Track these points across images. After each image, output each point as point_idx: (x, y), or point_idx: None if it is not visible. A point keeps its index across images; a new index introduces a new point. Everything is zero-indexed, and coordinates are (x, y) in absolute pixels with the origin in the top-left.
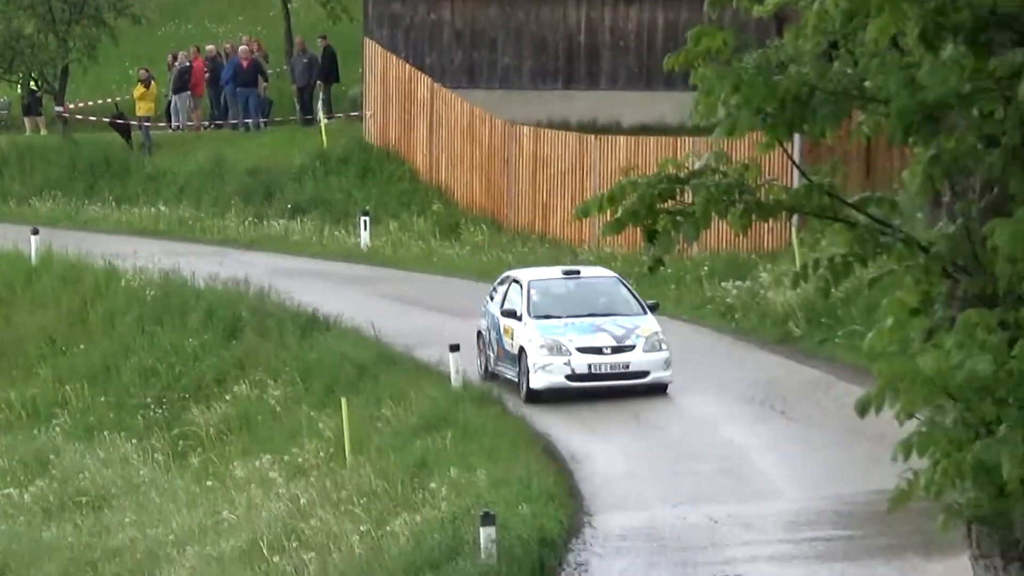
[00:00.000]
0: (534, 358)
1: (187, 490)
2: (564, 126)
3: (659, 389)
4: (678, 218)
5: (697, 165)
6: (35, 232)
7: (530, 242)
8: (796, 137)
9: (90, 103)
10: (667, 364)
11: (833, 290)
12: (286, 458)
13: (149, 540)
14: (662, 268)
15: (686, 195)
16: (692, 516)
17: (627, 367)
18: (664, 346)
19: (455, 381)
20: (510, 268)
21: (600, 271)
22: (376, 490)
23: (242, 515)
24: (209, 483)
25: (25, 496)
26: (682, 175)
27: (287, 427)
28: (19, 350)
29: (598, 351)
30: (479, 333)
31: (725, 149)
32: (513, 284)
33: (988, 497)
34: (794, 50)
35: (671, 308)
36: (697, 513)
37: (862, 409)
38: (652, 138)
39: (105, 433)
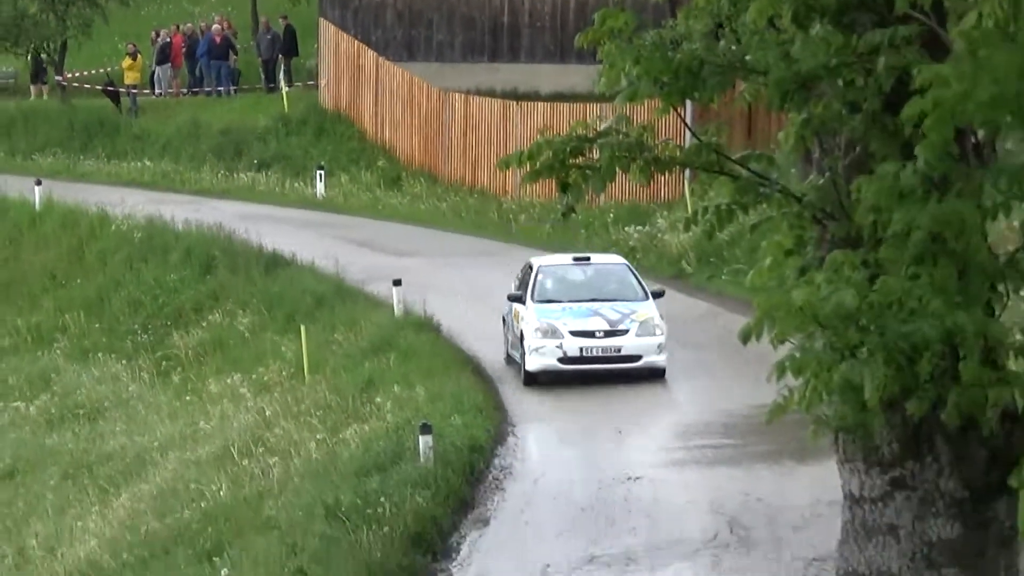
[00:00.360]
0: (530, 340)
1: (169, 404)
2: (490, 94)
3: (656, 373)
4: (587, 172)
5: (603, 127)
6: (38, 183)
7: (461, 192)
8: (688, 103)
9: (85, 73)
10: (660, 349)
11: (719, 233)
12: (253, 376)
13: (137, 446)
14: (574, 215)
15: (594, 152)
16: (600, 427)
17: (619, 351)
18: (659, 331)
19: (397, 311)
20: (444, 215)
21: (610, 258)
22: (330, 404)
23: (216, 425)
24: (188, 398)
25: (31, 409)
26: (590, 135)
27: (254, 350)
28: (25, 283)
29: (591, 335)
30: (503, 318)
31: (627, 113)
32: (529, 270)
33: (852, 411)
34: (686, 29)
35: (582, 250)
36: (605, 424)
37: (744, 337)
38: (565, 104)
39: (99, 355)
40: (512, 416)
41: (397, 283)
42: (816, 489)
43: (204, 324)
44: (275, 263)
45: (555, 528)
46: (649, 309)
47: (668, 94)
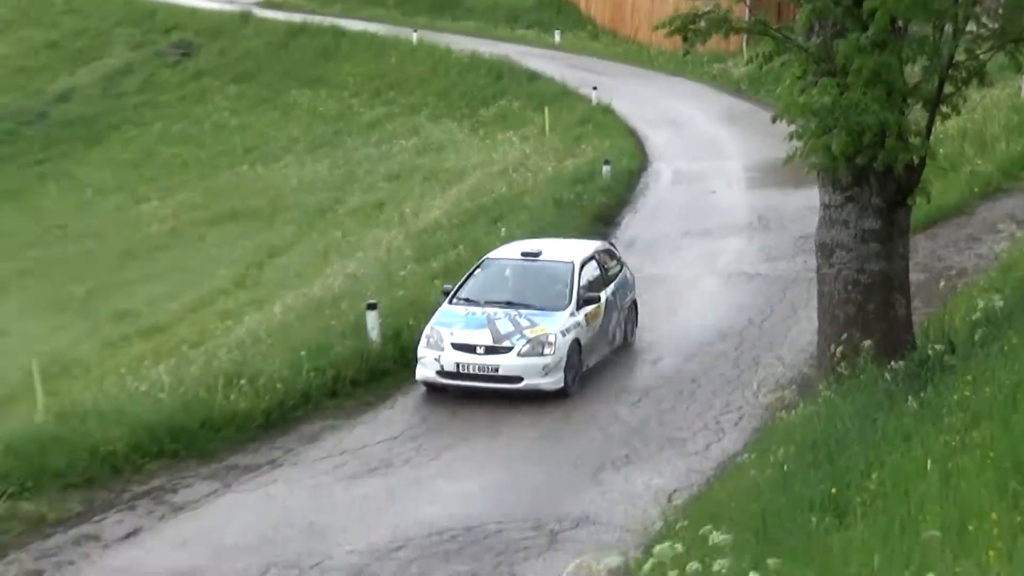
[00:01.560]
0: (419, 348)
1: (478, 145)
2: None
3: (546, 395)
4: (698, 32)
5: (706, 8)
6: (415, 31)
7: (629, 43)
8: None
9: None
10: (547, 370)
11: (763, 68)
12: (520, 132)
13: (460, 165)
14: (689, 56)
15: (701, 22)
16: (696, 165)
17: (496, 370)
18: (548, 350)
19: (594, 102)
20: (620, 55)
21: (563, 253)
22: (558, 148)
23: (500, 157)
24: (487, 142)
25: (407, 144)
26: (700, 12)
27: (521, 119)
28: (407, 83)
29: (472, 349)
30: None
31: (719, 2)
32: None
33: (827, 160)
34: None
35: (690, 75)
36: (698, 164)
37: (773, 119)
38: (686, 0)
39: (443, 119)
40: (651, 158)
41: (595, 88)
42: (805, 200)
43: (496, 106)
44: (533, 76)
45: (669, 216)
46: (554, 323)
47: None
